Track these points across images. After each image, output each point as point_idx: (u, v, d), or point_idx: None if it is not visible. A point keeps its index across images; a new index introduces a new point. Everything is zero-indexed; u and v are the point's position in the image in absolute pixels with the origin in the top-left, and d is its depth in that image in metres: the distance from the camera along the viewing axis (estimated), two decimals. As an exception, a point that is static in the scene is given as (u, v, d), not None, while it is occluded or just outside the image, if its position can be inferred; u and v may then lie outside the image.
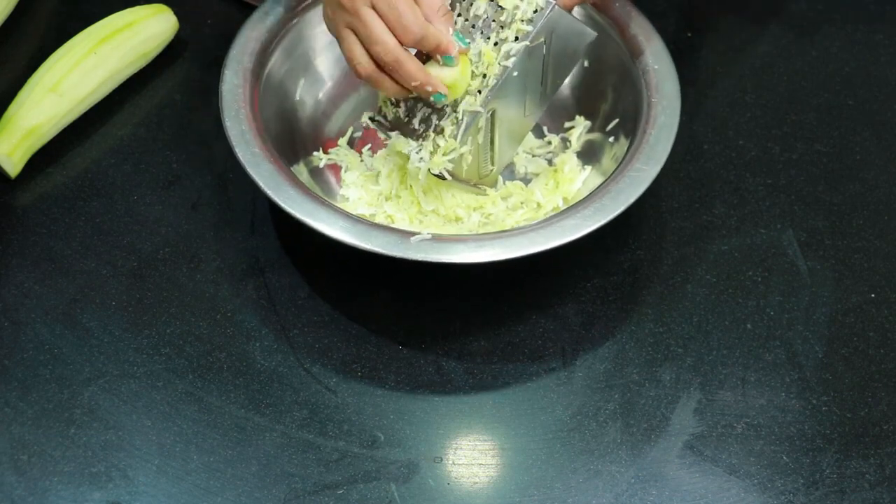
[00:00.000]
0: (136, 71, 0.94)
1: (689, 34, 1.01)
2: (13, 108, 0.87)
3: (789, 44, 1.01)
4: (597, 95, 0.89)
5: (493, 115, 0.79)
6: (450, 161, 0.79)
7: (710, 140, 0.93)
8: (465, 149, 0.79)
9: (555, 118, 0.89)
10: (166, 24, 0.95)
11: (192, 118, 0.93)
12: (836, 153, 0.93)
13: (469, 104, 0.78)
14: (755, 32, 1.01)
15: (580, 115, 0.89)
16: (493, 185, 0.85)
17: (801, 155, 0.92)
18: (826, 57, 1.00)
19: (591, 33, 0.81)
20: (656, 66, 0.85)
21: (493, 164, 0.83)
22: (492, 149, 0.82)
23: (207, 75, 0.94)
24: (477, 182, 0.83)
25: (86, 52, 0.90)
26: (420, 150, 0.79)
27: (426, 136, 0.79)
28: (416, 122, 0.80)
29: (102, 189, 0.88)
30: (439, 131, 0.79)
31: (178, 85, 0.95)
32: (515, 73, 0.78)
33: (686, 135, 0.90)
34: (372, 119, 0.83)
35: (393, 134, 0.81)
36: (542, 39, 0.78)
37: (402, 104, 0.81)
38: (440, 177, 0.80)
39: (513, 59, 0.77)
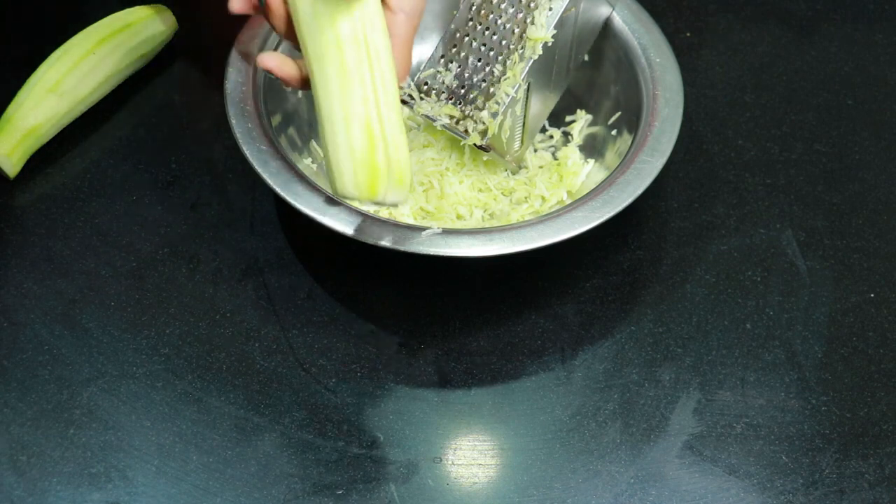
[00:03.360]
0: (135, 71, 0.94)
1: (689, 34, 1.01)
2: (12, 108, 0.87)
3: (788, 43, 1.01)
4: (598, 89, 0.89)
5: (528, 88, 0.80)
6: (490, 134, 0.81)
7: (709, 140, 0.93)
8: (505, 120, 0.80)
9: (555, 112, 0.89)
10: (165, 25, 0.95)
11: (191, 118, 0.93)
12: (835, 153, 0.93)
13: (512, 76, 0.79)
14: (754, 32, 1.01)
15: (581, 108, 0.89)
16: (521, 162, 0.86)
17: (800, 155, 0.92)
18: (825, 57, 1.00)
19: (610, 6, 0.84)
20: (658, 59, 0.85)
21: (522, 141, 0.84)
22: (523, 125, 0.83)
23: (206, 75, 0.94)
24: (510, 158, 0.84)
25: (85, 52, 0.90)
26: (460, 121, 0.81)
27: (473, 104, 0.81)
28: (465, 88, 0.82)
29: (101, 189, 0.88)
30: (482, 106, 0.80)
31: (177, 85, 0.95)
32: (549, 43, 0.79)
33: (686, 135, 0.90)
34: (404, 101, 0.83)
35: (431, 111, 0.82)
36: (573, 9, 0.80)
37: (453, 67, 0.82)
38: (482, 149, 0.82)
39: (554, 31, 0.79)
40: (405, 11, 0.71)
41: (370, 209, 0.83)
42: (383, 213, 0.83)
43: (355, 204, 0.75)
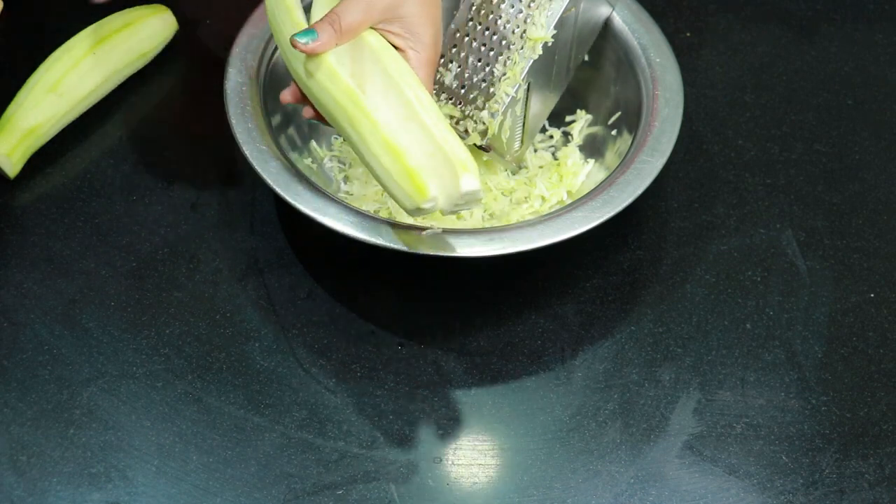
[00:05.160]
0: (135, 71, 0.94)
1: (689, 34, 1.01)
2: (12, 108, 0.87)
3: (788, 44, 1.01)
4: (598, 89, 0.89)
5: (528, 88, 0.80)
6: (490, 134, 0.81)
7: (709, 140, 0.93)
8: (505, 120, 0.80)
9: (555, 112, 0.89)
10: (165, 25, 0.95)
11: (191, 118, 0.93)
12: (835, 153, 0.93)
13: (512, 76, 0.79)
14: (754, 32, 1.01)
15: (581, 108, 0.89)
16: (521, 162, 0.86)
17: (800, 155, 0.92)
18: (825, 57, 1.00)
19: (610, 6, 0.84)
20: (658, 59, 0.85)
21: (522, 141, 0.84)
22: (523, 125, 0.83)
23: (206, 75, 0.94)
24: (510, 158, 0.84)
25: (85, 52, 0.90)
26: (460, 121, 0.82)
27: (473, 104, 0.81)
28: (465, 88, 0.82)
29: (101, 189, 0.88)
30: (482, 106, 0.80)
31: (177, 85, 0.95)
32: (549, 43, 0.79)
33: (686, 135, 0.90)
34: None
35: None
36: (573, 9, 0.80)
37: (452, 67, 0.82)
38: (482, 149, 0.82)
39: (554, 31, 0.79)
40: (414, 49, 0.75)
41: (370, 209, 0.83)
42: (382, 214, 0.83)
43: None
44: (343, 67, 0.73)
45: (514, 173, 0.87)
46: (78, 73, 0.89)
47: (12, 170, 0.86)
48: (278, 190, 0.77)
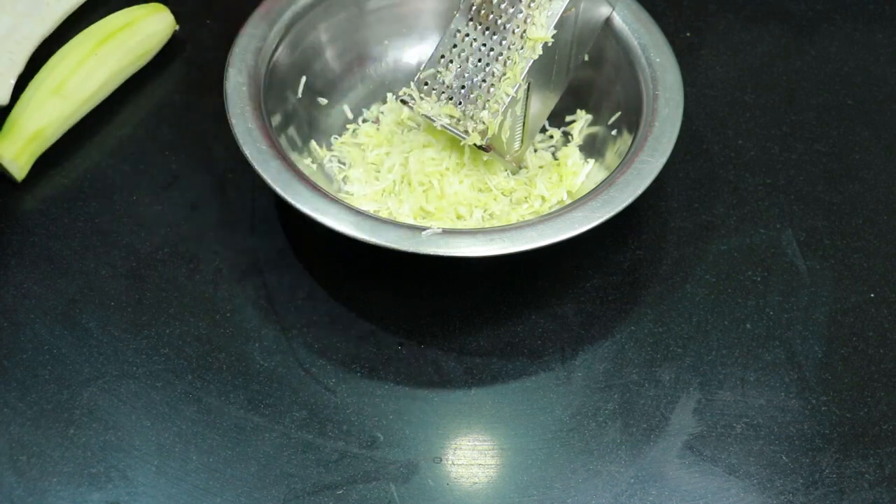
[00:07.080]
0: (135, 71, 0.94)
1: (689, 34, 1.01)
2: (17, 111, 0.87)
3: (788, 43, 1.01)
4: (598, 89, 0.89)
5: (528, 88, 0.80)
6: (490, 134, 0.81)
7: (709, 140, 0.93)
8: (505, 120, 0.80)
9: (555, 112, 0.89)
10: (163, 24, 0.95)
11: (191, 118, 0.93)
12: (835, 153, 0.93)
13: (512, 76, 0.79)
14: (755, 32, 1.01)
15: (581, 108, 0.89)
16: (521, 162, 0.86)
17: (800, 155, 0.92)
18: (825, 56, 1.00)
19: (610, 6, 0.84)
20: (658, 59, 0.85)
21: (522, 141, 0.84)
22: (523, 125, 0.83)
23: (206, 75, 0.94)
24: (510, 158, 0.84)
25: (86, 53, 0.90)
26: (460, 121, 0.81)
27: (473, 104, 0.81)
28: (465, 87, 0.82)
29: (101, 190, 0.88)
30: (482, 106, 0.81)
31: (176, 85, 0.95)
32: (549, 43, 0.79)
33: (685, 135, 0.90)
34: (404, 101, 0.83)
35: (431, 111, 0.82)
36: (573, 9, 0.80)
37: (454, 66, 0.82)
38: (482, 149, 0.82)
39: (554, 31, 0.79)
40: None
41: (370, 208, 0.83)
42: (383, 213, 0.84)
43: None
44: None
45: (514, 173, 0.87)
46: (81, 75, 0.89)
47: (20, 173, 0.86)
48: (278, 190, 0.77)
